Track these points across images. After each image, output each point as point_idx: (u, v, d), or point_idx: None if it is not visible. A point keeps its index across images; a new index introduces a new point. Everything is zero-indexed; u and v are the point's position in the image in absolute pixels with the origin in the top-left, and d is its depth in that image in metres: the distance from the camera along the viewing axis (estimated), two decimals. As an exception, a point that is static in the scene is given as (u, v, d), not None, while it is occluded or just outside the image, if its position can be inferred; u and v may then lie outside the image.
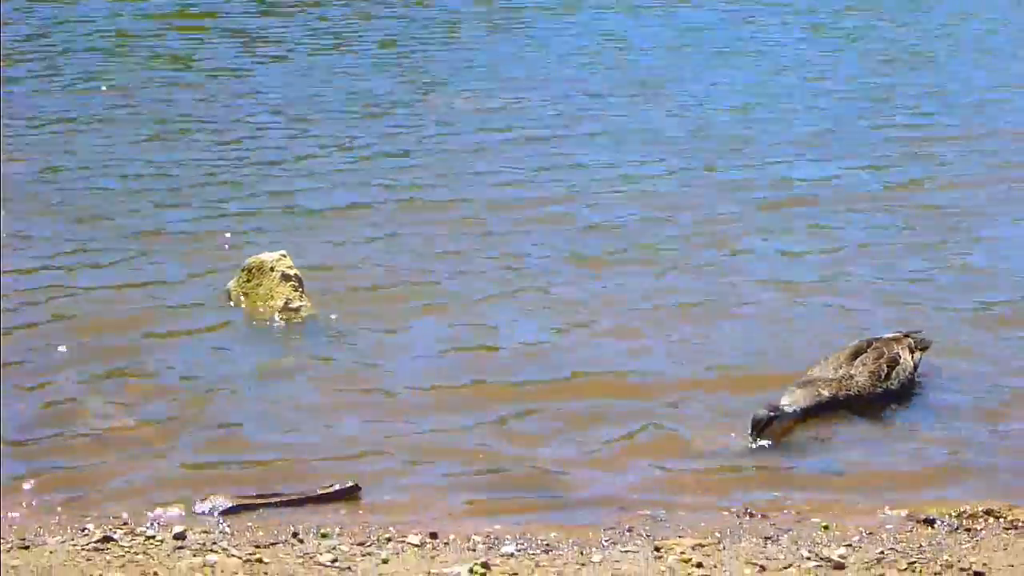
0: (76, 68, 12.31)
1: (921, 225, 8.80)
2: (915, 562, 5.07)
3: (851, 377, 6.49)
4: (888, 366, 6.56)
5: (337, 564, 4.97)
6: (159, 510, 5.40)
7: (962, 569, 5.05)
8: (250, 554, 5.00)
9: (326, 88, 11.96)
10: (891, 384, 6.55)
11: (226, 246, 8.22)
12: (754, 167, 10.00)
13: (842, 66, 13.12)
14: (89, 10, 14.57)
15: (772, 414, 6.16)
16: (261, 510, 5.42)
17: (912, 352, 6.73)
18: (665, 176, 9.84)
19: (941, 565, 5.06)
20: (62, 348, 6.81)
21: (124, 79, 11.99)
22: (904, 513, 5.51)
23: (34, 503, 5.44)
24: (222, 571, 4.83)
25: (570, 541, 5.21)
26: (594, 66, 13.08)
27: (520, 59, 13.26)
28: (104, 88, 11.64)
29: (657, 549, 5.13)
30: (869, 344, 6.68)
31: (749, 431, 6.13)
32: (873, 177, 9.85)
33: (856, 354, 6.62)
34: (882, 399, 6.53)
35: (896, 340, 6.75)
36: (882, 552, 5.15)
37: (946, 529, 5.38)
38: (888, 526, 5.44)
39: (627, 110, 11.48)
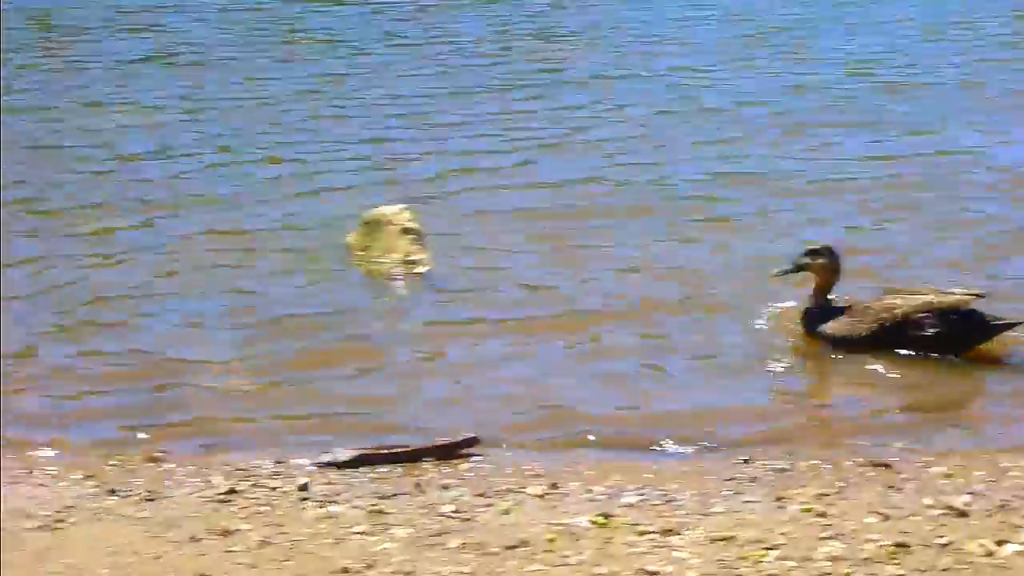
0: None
1: None
2: (1039, 509, 4.98)
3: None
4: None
5: (459, 515, 4.98)
6: (282, 462, 5.48)
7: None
8: (372, 505, 5.03)
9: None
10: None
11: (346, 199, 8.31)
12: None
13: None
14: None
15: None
16: (382, 462, 5.48)
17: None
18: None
19: (1065, 512, 4.97)
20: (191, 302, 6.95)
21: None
22: (1025, 461, 5.44)
23: (161, 455, 5.55)
24: (345, 522, 4.87)
25: (690, 492, 5.18)
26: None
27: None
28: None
29: (779, 499, 5.08)
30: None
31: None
32: None
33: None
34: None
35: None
36: (1005, 500, 5.07)
37: (1070, 476, 5.29)
38: (1011, 474, 5.36)
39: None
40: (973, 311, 6.48)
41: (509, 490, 5.26)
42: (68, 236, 7.83)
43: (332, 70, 11.41)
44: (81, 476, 5.34)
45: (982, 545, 4.55)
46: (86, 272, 7.33)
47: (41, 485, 5.23)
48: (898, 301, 6.51)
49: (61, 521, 4.80)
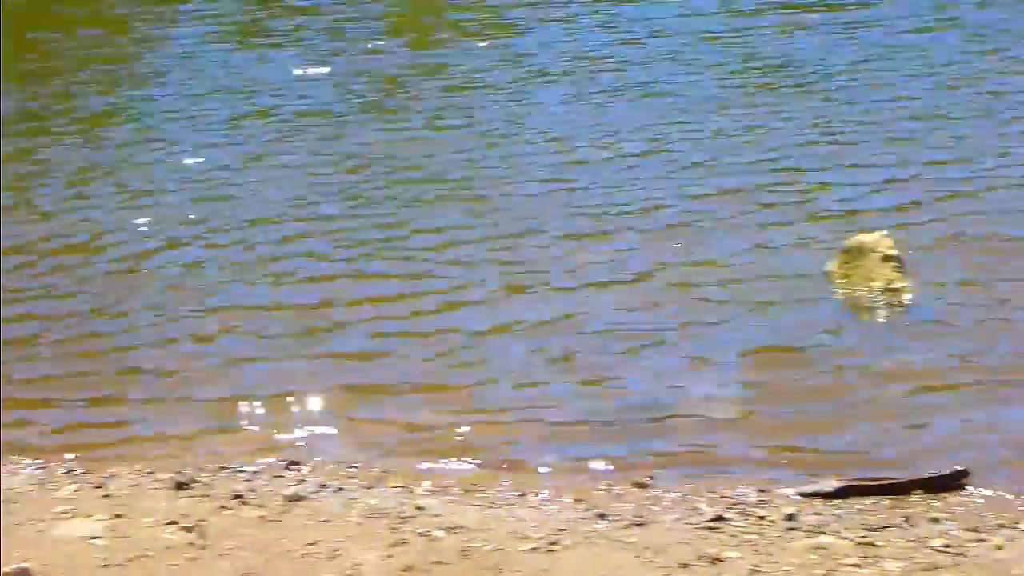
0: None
1: None
2: None
3: None
4: None
5: (949, 549, 4.86)
6: (766, 491, 5.49)
7: None
8: (861, 537, 4.97)
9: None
10: None
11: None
12: None
13: None
14: None
15: None
16: (868, 494, 5.41)
17: None
18: None
19: None
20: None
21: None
22: None
23: (647, 482, 5.66)
24: (834, 553, 4.83)
25: None
26: None
27: None
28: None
29: None
30: None
31: None
32: None
33: None
34: None
35: None
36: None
37: None
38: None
39: None
40: None
41: (1002, 525, 5.09)
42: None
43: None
44: (571, 500, 5.52)
45: None
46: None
47: (534, 508, 5.44)
48: None
49: (555, 544, 4.97)
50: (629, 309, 7.32)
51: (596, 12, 13.69)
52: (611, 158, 9.61)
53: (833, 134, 9.86)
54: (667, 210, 8.63)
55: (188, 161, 10.09)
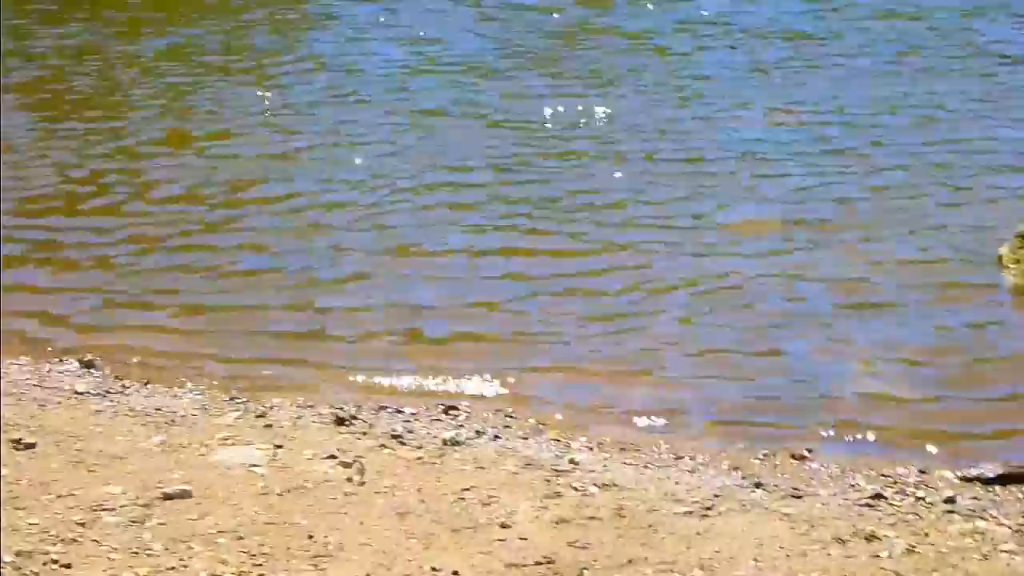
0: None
1: None
2: None
3: None
4: None
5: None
6: (925, 472, 5.42)
7: None
8: (1020, 524, 4.89)
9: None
10: None
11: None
12: None
13: None
14: None
15: None
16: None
17: None
18: None
19: None
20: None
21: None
22: None
23: (806, 454, 5.62)
24: (992, 539, 4.75)
25: None
26: None
27: None
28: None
29: None
30: None
31: None
32: None
33: None
34: None
35: None
36: None
37: None
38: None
39: None
40: None
41: None
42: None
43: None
44: (727, 467, 5.50)
45: None
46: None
47: (690, 472, 5.43)
48: None
49: (709, 509, 4.95)
50: (798, 282, 7.24)
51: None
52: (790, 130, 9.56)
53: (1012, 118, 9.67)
54: (834, 187, 8.54)
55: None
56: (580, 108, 10.13)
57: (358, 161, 9.22)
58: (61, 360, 6.61)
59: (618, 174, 8.85)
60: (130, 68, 11.97)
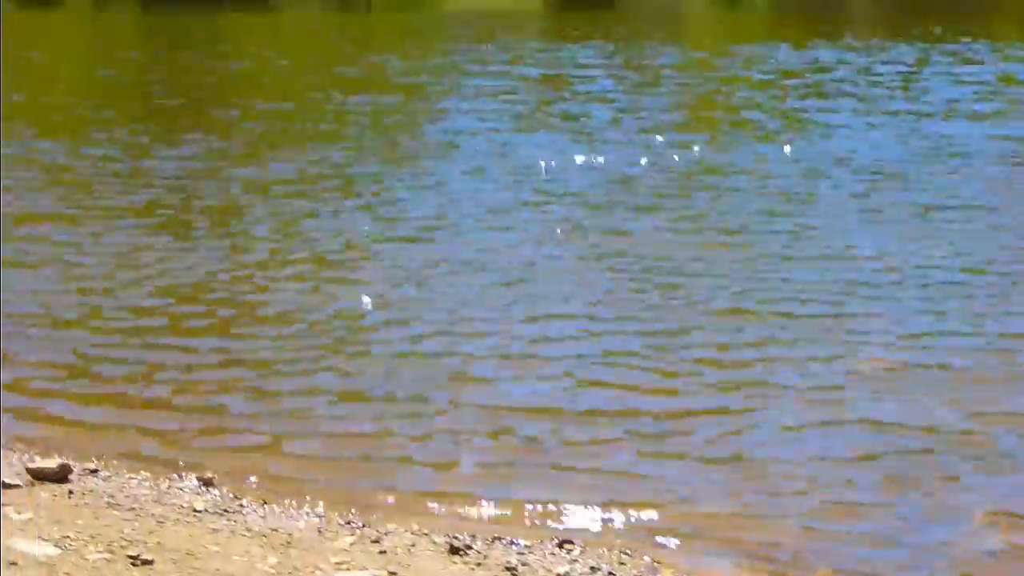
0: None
1: None
2: None
3: None
4: None
5: None
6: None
7: None
8: None
9: None
10: None
11: None
12: None
13: None
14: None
15: None
16: None
17: None
18: None
19: None
20: None
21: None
22: None
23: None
24: None
25: None
26: None
27: None
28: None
29: None
30: None
31: None
32: None
33: None
34: None
35: None
36: None
37: None
38: None
39: None
40: None
41: None
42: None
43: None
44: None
45: None
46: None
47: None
48: None
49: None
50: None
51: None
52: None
53: None
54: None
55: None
56: (700, 246, 10.17)
57: (474, 291, 9.30)
58: (180, 477, 6.68)
59: (750, 321, 8.81)
60: (247, 192, 12.25)
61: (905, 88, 18.76)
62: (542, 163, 12.93)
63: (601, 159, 13.41)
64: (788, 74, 20.45)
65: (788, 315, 8.83)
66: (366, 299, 9.16)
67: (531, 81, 20.52)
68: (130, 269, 9.98)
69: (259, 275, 9.87)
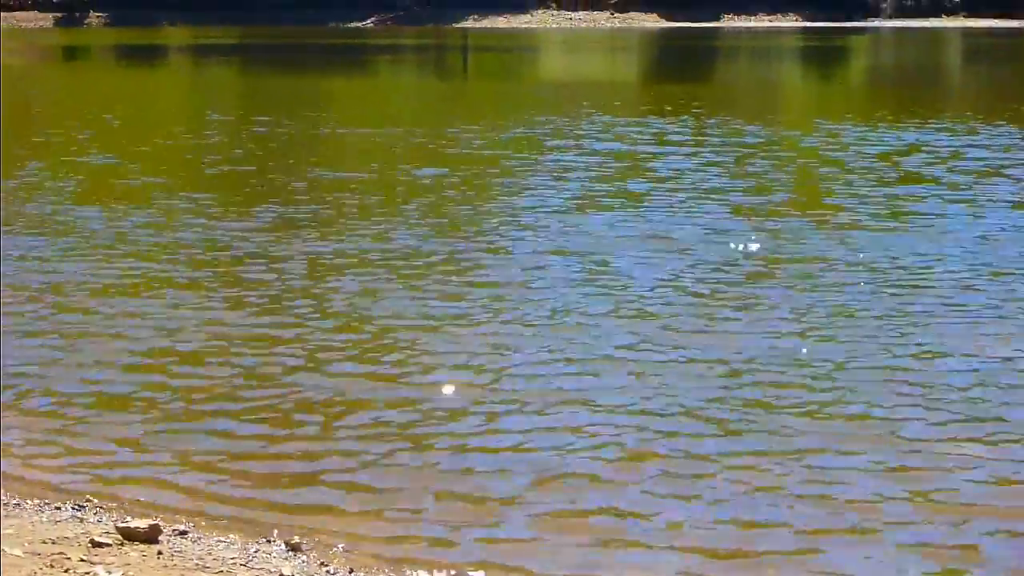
0: None
1: None
2: None
3: None
4: None
5: None
6: None
7: None
8: None
9: None
10: None
11: None
12: None
13: None
14: None
15: None
16: None
17: None
18: None
19: None
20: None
21: None
22: None
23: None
24: None
25: None
26: None
27: None
28: None
29: None
30: None
31: None
32: None
33: None
34: None
35: None
36: None
37: None
38: None
39: None
40: None
41: None
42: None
43: None
44: None
45: None
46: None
47: None
48: None
49: None
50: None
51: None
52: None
53: None
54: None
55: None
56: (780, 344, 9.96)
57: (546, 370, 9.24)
58: (269, 541, 6.69)
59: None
60: (317, 268, 12.28)
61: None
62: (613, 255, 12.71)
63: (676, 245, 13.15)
64: (883, 157, 20.31)
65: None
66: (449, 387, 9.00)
67: (610, 155, 20.51)
68: (219, 340, 9.97)
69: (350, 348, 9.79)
